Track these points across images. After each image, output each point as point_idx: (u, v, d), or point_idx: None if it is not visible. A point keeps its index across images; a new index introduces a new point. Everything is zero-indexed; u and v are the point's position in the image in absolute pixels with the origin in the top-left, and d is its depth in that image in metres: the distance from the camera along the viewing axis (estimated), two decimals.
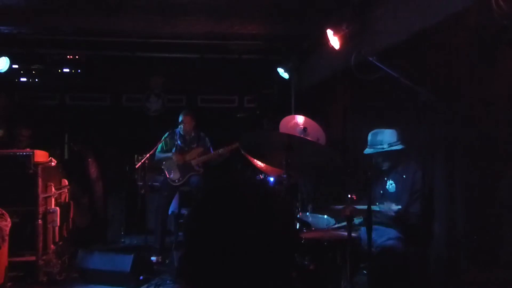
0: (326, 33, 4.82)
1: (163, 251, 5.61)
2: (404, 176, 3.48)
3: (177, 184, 5.86)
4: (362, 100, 4.95)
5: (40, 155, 4.81)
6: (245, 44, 6.61)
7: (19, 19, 5.43)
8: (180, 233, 6.54)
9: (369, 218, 2.84)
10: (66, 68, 6.94)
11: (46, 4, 5.04)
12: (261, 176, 4.43)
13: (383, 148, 3.53)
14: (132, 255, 4.63)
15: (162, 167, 5.90)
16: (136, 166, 5.61)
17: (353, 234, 2.98)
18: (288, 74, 6.79)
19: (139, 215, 6.23)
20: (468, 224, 3.14)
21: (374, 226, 2.98)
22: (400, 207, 3.34)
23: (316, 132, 4.46)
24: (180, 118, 5.90)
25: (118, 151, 7.09)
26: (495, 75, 2.82)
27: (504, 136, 2.76)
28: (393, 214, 3.34)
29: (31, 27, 5.83)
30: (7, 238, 4.16)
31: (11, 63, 6.12)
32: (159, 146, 5.87)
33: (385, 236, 3.40)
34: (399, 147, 3.53)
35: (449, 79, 3.32)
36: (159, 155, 5.91)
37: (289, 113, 6.66)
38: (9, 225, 4.20)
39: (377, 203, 3.45)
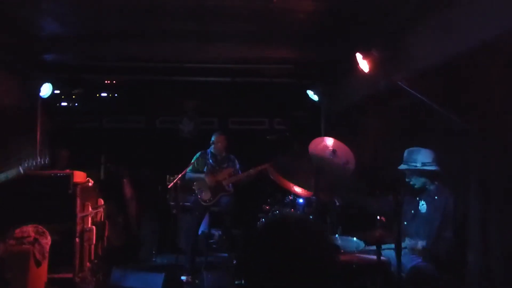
0: (356, 57, 4.88)
1: (194, 271, 5.68)
2: (436, 198, 3.44)
3: (208, 204, 5.97)
4: (393, 124, 4.94)
5: (79, 176, 5.00)
6: (276, 68, 6.73)
7: (64, 47, 5.74)
8: (210, 254, 6.62)
9: (399, 242, 2.84)
10: (104, 92, 7.25)
11: (90, 32, 5.33)
12: (290, 197, 4.47)
13: (415, 166, 3.52)
14: (163, 274, 4.72)
15: (194, 187, 6.04)
16: (169, 186, 5.75)
17: (382, 258, 2.98)
18: (318, 96, 6.85)
19: (171, 235, 6.35)
20: (503, 255, 3.05)
21: (404, 251, 2.96)
22: (425, 243, 3.28)
23: (345, 155, 4.49)
24: (213, 138, 6.09)
25: (151, 171, 7.29)
26: None
27: None
28: (420, 248, 3.31)
29: (73, 54, 6.14)
30: (47, 255, 4.33)
31: (53, 88, 6.40)
32: (191, 166, 6.01)
33: (415, 260, 3.36)
34: (432, 167, 3.50)
35: (483, 108, 3.24)
36: (190, 174, 6.04)
37: (319, 136, 6.72)
38: (49, 242, 4.38)
39: (405, 222, 3.42)
